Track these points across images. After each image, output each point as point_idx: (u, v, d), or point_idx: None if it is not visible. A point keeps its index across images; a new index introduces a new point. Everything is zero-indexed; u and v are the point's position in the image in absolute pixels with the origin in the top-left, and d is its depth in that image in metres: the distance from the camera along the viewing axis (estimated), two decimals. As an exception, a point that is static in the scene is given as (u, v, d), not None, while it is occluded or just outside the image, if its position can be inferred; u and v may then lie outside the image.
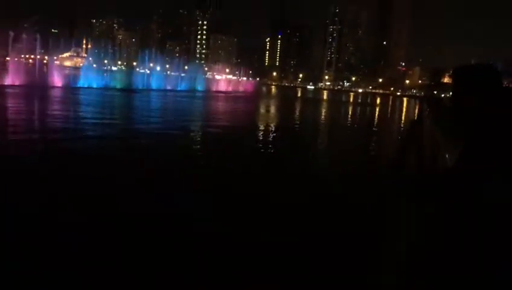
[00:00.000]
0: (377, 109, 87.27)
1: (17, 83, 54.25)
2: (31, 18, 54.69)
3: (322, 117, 53.62)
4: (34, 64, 63.81)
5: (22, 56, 64.68)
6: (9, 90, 47.58)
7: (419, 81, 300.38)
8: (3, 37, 56.86)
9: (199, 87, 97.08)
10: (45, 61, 68.32)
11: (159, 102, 56.50)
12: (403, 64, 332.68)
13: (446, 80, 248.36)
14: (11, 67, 56.56)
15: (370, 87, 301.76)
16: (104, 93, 57.62)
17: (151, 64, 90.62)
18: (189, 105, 55.56)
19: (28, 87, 51.59)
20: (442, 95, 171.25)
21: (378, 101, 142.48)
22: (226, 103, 65.94)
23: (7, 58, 59.05)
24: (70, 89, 59.50)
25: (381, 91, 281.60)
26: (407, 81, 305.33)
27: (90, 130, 23.93)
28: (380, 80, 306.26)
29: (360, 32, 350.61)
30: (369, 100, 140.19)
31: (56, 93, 50.88)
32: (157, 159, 16.94)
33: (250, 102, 72.39)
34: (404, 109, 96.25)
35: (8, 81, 54.01)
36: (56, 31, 58.70)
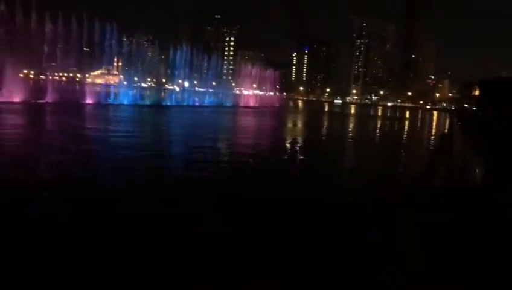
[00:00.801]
0: (406, 123, 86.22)
1: (50, 101, 55.68)
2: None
3: (351, 131, 53.51)
4: (67, 82, 65.77)
5: (56, 74, 66.62)
6: (48, 108, 49.14)
7: (449, 94, 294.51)
8: (38, 55, 58.45)
9: (227, 103, 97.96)
10: (77, 79, 70.22)
11: (192, 118, 57.36)
12: (432, 77, 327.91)
13: (477, 92, 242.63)
14: (46, 85, 58.31)
15: (399, 101, 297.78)
16: (137, 110, 58.84)
17: (180, 81, 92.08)
18: (220, 120, 56.15)
19: (63, 104, 53.10)
20: (474, 108, 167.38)
21: (407, 114, 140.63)
22: (256, 118, 66.53)
23: (42, 77, 60.89)
24: (103, 105, 60.82)
25: (410, 104, 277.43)
26: (437, 94, 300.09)
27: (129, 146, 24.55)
28: (409, 94, 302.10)
29: (387, 45, 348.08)
30: (398, 114, 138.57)
31: (94, 111, 52.08)
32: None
33: (278, 117, 72.70)
34: (434, 123, 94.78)
35: (43, 98, 55.45)
36: (88, 49, 60.89)
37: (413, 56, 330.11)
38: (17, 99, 50.50)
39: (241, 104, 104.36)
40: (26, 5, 52.79)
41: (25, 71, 59.09)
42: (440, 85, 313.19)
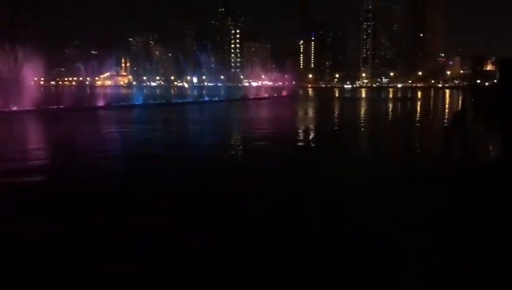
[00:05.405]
0: (419, 103, 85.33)
1: (62, 106, 55.18)
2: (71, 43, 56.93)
3: (363, 115, 53.37)
4: (78, 87, 66.21)
5: (66, 79, 67.12)
6: (65, 113, 49.28)
7: (461, 71, 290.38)
8: (46, 62, 58.51)
9: (237, 96, 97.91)
10: (87, 83, 70.64)
11: (208, 113, 57.44)
12: (442, 55, 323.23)
13: (489, 67, 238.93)
14: (57, 92, 58.61)
15: (410, 81, 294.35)
16: (152, 110, 58.16)
17: (188, 77, 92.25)
18: (232, 114, 56.16)
19: (75, 109, 53.09)
20: (486, 84, 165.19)
21: (419, 94, 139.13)
22: (268, 108, 66.57)
23: (52, 83, 61.27)
24: (117, 108, 59.84)
25: (421, 84, 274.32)
26: (448, 72, 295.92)
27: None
28: (420, 73, 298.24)
29: (395, 26, 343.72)
30: (409, 95, 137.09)
31: (111, 114, 51.76)
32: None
33: (290, 106, 72.55)
34: (446, 101, 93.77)
35: (55, 104, 55.06)
36: (96, 52, 61.05)
37: (421, 35, 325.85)
38: (30, 107, 50.37)
39: (251, 96, 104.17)
40: (27, 11, 52.74)
41: (35, 78, 59.35)
42: (451, 62, 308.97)
